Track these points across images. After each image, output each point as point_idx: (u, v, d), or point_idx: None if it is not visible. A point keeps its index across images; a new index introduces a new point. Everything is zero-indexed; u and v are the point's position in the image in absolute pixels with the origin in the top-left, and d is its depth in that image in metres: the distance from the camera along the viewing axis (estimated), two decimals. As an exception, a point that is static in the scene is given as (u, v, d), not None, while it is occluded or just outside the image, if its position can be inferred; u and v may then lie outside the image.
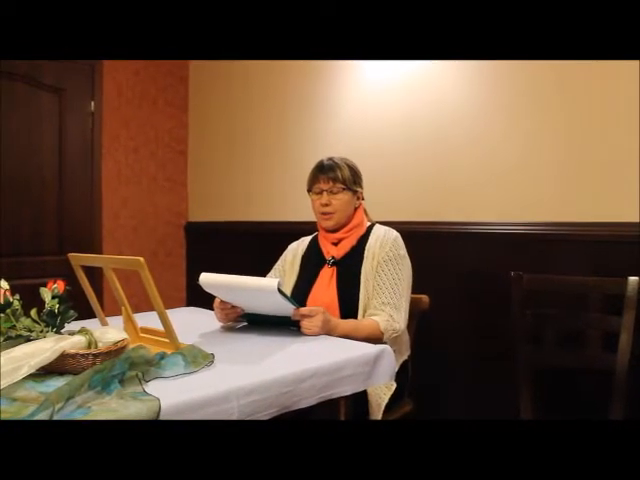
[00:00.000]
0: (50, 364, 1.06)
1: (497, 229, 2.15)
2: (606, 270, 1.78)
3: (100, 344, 1.14)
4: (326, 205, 1.78)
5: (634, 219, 1.80)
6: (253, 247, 3.13)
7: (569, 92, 1.97)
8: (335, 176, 1.78)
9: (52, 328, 1.17)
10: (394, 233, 1.79)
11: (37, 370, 1.04)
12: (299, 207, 2.67)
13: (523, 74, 2.08)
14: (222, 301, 1.62)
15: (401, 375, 1.69)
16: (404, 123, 2.46)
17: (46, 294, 1.20)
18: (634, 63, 1.78)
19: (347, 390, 1.30)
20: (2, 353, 1.03)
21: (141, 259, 1.20)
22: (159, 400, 0.95)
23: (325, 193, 1.78)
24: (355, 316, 1.69)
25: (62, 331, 1.19)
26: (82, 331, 1.16)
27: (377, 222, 1.88)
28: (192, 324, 1.67)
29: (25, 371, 1.01)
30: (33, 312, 1.18)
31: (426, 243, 2.26)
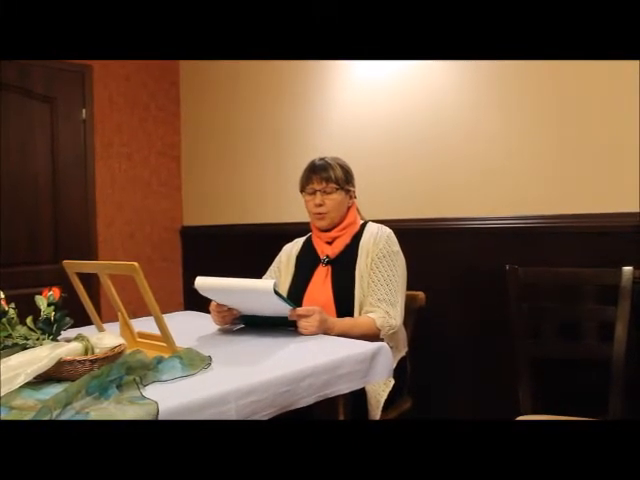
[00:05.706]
0: (47, 371, 1.06)
1: (492, 224, 2.15)
2: (605, 261, 1.77)
3: (97, 350, 1.15)
4: (320, 205, 1.78)
5: (633, 209, 1.79)
6: (248, 249, 3.14)
7: (563, 83, 1.97)
8: (328, 176, 1.78)
9: (48, 336, 1.17)
10: (387, 230, 1.80)
11: (34, 378, 1.04)
12: (293, 208, 2.68)
13: (515, 69, 2.08)
14: (218, 304, 1.61)
15: (399, 372, 1.69)
16: (396, 121, 2.47)
17: (41, 302, 1.20)
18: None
19: (345, 388, 1.30)
20: (-1, 362, 1.03)
21: (135, 264, 1.20)
22: (157, 404, 0.95)
23: (318, 193, 1.79)
24: (351, 314, 1.69)
25: (59, 338, 1.19)
26: (79, 338, 1.16)
27: (371, 220, 1.89)
28: (189, 328, 1.67)
29: (22, 379, 1.01)
30: (29, 320, 1.18)
31: (421, 240, 2.26)
